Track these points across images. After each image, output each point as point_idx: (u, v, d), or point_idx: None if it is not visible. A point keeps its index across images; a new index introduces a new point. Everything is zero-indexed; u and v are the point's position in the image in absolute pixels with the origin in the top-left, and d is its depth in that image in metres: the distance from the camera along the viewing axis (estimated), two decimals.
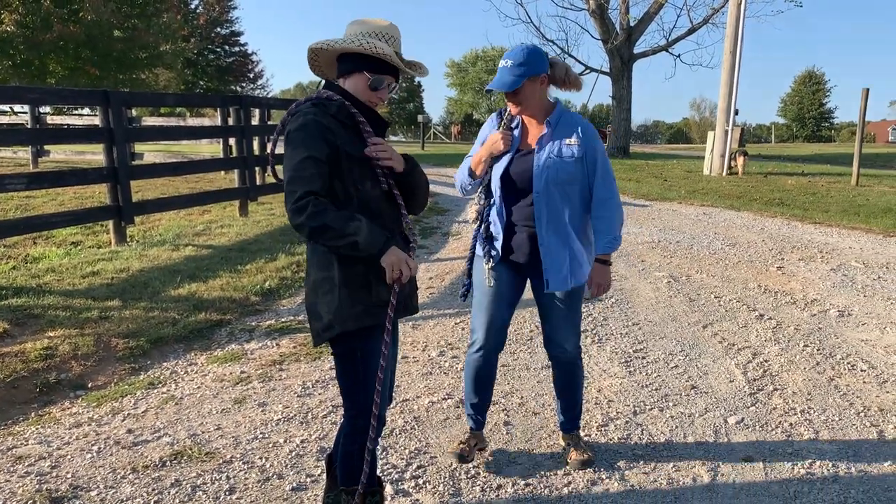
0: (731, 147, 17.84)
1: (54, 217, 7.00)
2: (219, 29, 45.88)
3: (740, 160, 17.85)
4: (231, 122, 9.88)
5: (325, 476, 2.65)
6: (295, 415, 3.56)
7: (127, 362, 4.28)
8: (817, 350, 4.63)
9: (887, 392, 3.95)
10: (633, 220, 9.97)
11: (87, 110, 22.39)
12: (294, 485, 2.90)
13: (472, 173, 2.94)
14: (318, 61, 2.37)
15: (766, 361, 4.41)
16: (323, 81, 2.38)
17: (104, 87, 22.68)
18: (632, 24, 25.96)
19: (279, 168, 2.29)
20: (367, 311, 2.23)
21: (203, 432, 3.36)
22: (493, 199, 2.91)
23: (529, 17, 42.71)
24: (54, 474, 2.96)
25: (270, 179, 11.09)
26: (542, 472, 3.02)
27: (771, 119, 79.21)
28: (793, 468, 3.08)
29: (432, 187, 2.57)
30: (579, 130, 2.81)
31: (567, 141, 2.79)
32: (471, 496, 2.85)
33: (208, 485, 2.88)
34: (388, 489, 2.86)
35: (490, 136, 2.90)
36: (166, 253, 6.92)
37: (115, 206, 7.21)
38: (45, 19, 23.26)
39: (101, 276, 5.93)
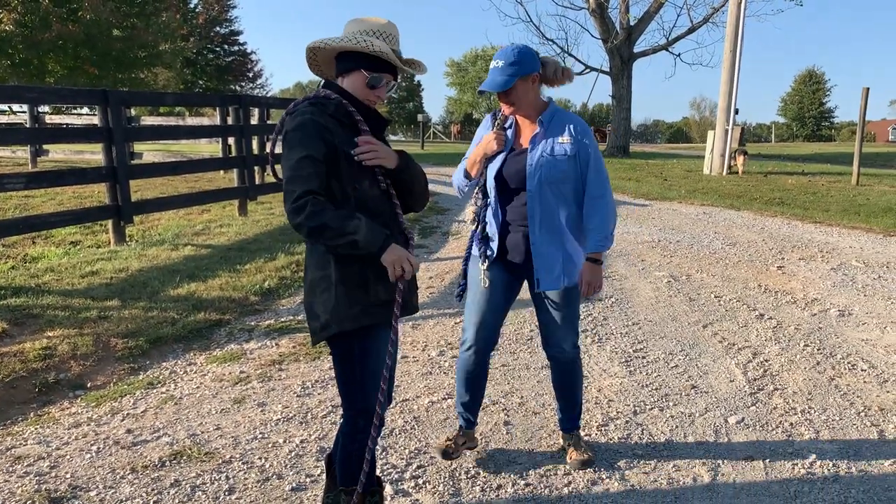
0: (731, 146, 17.83)
1: (53, 217, 6.99)
2: (218, 28, 45.90)
3: (740, 159, 17.86)
4: (230, 121, 9.88)
5: (324, 476, 2.64)
6: (294, 415, 3.56)
7: (126, 362, 4.27)
8: (818, 350, 4.62)
9: (888, 391, 3.94)
10: (633, 220, 9.97)
11: (85, 109, 22.39)
12: (294, 485, 2.89)
13: (467, 174, 2.95)
14: (316, 60, 2.36)
15: (766, 361, 4.40)
16: (322, 81, 2.37)
17: (103, 86, 22.68)
18: (632, 23, 25.95)
19: (279, 167, 2.28)
20: (365, 310, 2.22)
21: (202, 432, 3.35)
22: (488, 200, 2.91)
23: (529, 17, 42.91)
24: (53, 474, 2.95)
25: (270, 179, 11.08)
26: (543, 472, 3.02)
27: (771, 118, 79.22)
28: (793, 468, 3.07)
29: (432, 187, 2.57)
30: (572, 128, 2.80)
31: (560, 139, 2.79)
32: (471, 496, 2.84)
33: (208, 485, 2.88)
34: (388, 489, 2.85)
35: (484, 136, 2.90)
36: (165, 252, 6.92)
37: (114, 206, 7.20)
38: (44, 18, 23.24)
39: (100, 275, 5.93)
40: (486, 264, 2.91)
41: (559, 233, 2.83)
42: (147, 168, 9.50)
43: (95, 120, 7.65)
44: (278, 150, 2.23)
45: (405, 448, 3.21)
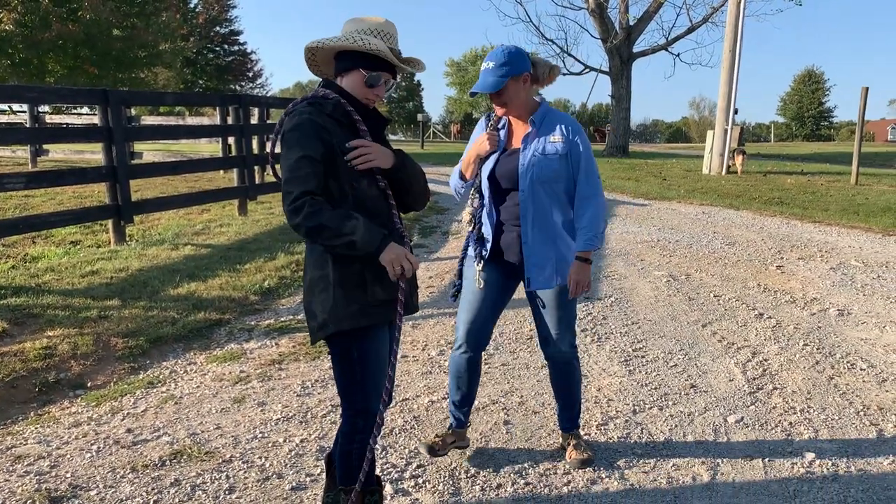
0: (730, 146, 17.84)
1: (53, 216, 6.99)
2: (218, 28, 45.91)
3: (738, 159, 17.86)
4: (230, 121, 9.88)
5: (324, 475, 2.64)
6: (294, 414, 3.56)
7: (126, 362, 4.28)
8: (817, 349, 4.63)
9: (886, 391, 3.95)
10: (633, 220, 9.97)
11: (85, 109, 22.37)
12: (293, 484, 2.89)
13: (462, 176, 2.96)
14: (315, 61, 2.37)
15: (765, 360, 4.41)
16: (321, 80, 2.38)
17: (103, 86, 22.68)
18: (631, 23, 25.96)
19: (279, 167, 2.29)
20: (362, 310, 2.22)
21: (202, 432, 3.36)
22: (483, 201, 2.93)
23: (529, 17, 42.80)
24: (53, 474, 2.96)
25: (270, 178, 11.09)
26: (542, 471, 3.02)
27: (770, 118, 79.18)
28: (792, 467, 3.08)
29: (432, 186, 2.57)
30: (564, 128, 2.81)
31: (551, 138, 2.80)
32: (470, 495, 2.85)
33: (208, 484, 2.88)
34: (388, 488, 2.86)
35: (477, 137, 2.92)
36: (165, 252, 6.92)
37: (114, 206, 7.21)
38: (44, 18, 23.23)
39: (100, 275, 5.93)
40: (480, 265, 2.92)
41: (552, 232, 2.84)
42: (147, 168, 9.50)
43: (95, 119, 7.65)
44: (278, 149, 2.24)
45: (405, 447, 3.22)
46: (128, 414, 3.58)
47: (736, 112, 17.99)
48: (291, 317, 5.19)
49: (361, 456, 2.29)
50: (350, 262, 2.19)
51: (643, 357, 4.46)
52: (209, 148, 16.23)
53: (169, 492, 2.82)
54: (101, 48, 25.21)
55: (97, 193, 9.98)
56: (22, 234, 7.10)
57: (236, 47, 47.19)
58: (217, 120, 11.99)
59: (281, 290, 5.90)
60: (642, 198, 12.60)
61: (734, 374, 4.17)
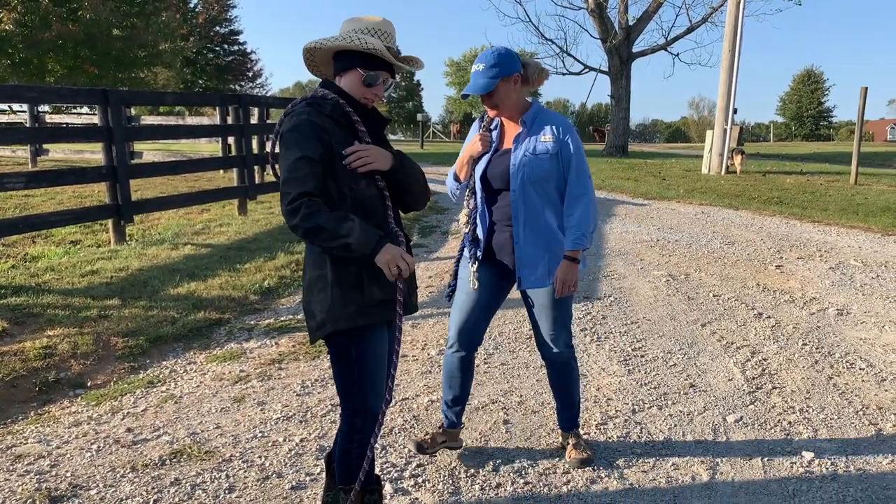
0: (729, 146, 17.85)
1: (53, 216, 7.00)
2: (217, 28, 45.90)
3: (737, 158, 17.87)
4: (230, 120, 9.88)
5: (324, 475, 2.65)
6: (294, 413, 3.57)
7: (126, 361, 4.28)
8: (816, 348, 4.63)
9: (886, 390, 3.95)
10: (632, 219, 9.98)
11: (85, 109, 22.35)
12: (293, 483, 2.90)
13: (457, 178, 2.98)
14: (314, 61, 2.37)
15: (764, 360, 4.41)
16: (321, 80, 2.38)
17: (103, 85, 22.68)
18: (630, 23, 25.97)
19: (279, 167, 2.29)
20: (360, 311, 2.23)
21: (202, 431, 3.36)
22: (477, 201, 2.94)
23: (528, 16, 43.00)
24: (54, 473, 2.96)
25: (269, 178, 11.09)
26: (542, 471, 3.03)
27: (770, 118, 79.23)
28: (791, 466, 3.09)
29: (431, 186, 2.58)
30: (554, 128, 2.81)
31: (542, 138, 2.80)
32: (470, 495, 2.85)
33: (208, 483, 2.89)
34: (388, 488, 2.86)
35: (471, 139, 2.94)
36: (165, 252, 6.92)
37: (114, 205, 7.21)
38: (44, 18, 23.23)
39: (100, 275, 5.93)
40: (475, 266, 2.93)
41: (543, 232, 2.84)
42: (147, 167, 9.50)
43: (95, 119, 7.65)
44: (277, 149, 2.24)
45: (404, 447, 3.22)
46: (128, 413, 3.58)
47: (735, 112, 18.00)
48: (291, 316, 5.19)
49: (360, 455, 2.30)
50: (347, 262, 2.20)
51: (642, 356, 4.46)
52: (209, 148, 16.23)
53: (169, 491, 2.82)
54: (101, 48, 25.22)
55: (97, 193, 9.98)
56: (22, 234, 7.10)
57: (236, 47, 47.18)
58: (217, 120, 11.99)
59: (281, 290, 5.90)
60: (642, 197, 12.60)
61: (733, 373, 4.18)
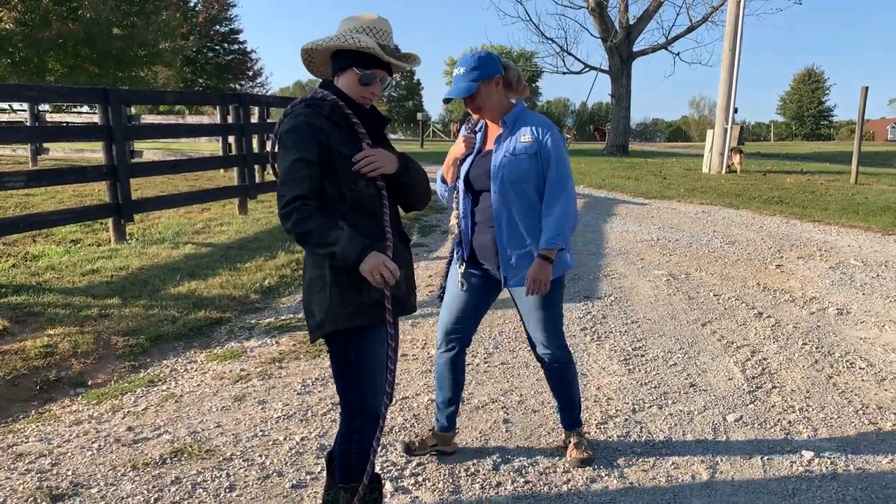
0: (729, 145, 17.85)
1: (54, 215, 7.00)
2: (218, 27, 45.88)
3: (736, 158, 17.87)
4: (230, 119, 9.89)
5: (325, 473, 2.65)
6: (295, 412, 3.57)
7: (127, 360, 4.29)
8: (816, 348, 4.64)
9: (885, 390, 3.96)
10: (632, 219, 9.98)
11: (86, 108, 22.34)
12: (294, 482, 2.90)
13: (444, 180, 2.99)
14: (313, 62, 2.37)
15: (764, 359, 4.42)
16: (321, 81, 2.38)
17: (103, 84, 22.67)
18: (631, 22, 25.98)
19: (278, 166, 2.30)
20: (358, 311, 2.23)
21: (203, 430, 3.37)
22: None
23: (529, 15, 42.83)
24: (55, 472, 2.97)
25: (270, 177, 11.09)
26: (542, 470, 3.03)
27: (770, 117, 79.22)
28: (791, 465, 3.09)
29: (431, 185, 2.58)
30: (535, 128, 2.80)
31: (522, 138, 2.80)
32: (470, 493, 2.85)
33: (208, 482, 2.89)
34: (388, 486, 2.87)
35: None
36: (166, 251, 6.93)
37: (114, 204, 7.21)
38: (44, 17, 23.22)
39: (100, 273, 5.94)
40: (462, 267, 2.94)
41: (527, 232, 2.83)
42: (147, 166, 9.50)
43: (96, 118, 7.66)
44: (277, 149, 2.25)
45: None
46: (128, 412, 3.58)
47: (736, 111, 18.00)
48: (292, 315, 5.20)
49: (360, 455, 2.30)
50: None
51: (643, 356, 4.46)
52: (209, 147, 16.23)
53: (170, 490, 2.82)
54: (101, 47, 25.20)
55: (97, 192, 9.98)
56: (22, 233, 7.10)
57: (236, 46, 47.16)
58: (217, 119, 11.99)
59: (281, 289, 5.91)
60: (642, 197, 12.61)
61: (733, 372, 4.18)
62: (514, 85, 2.88)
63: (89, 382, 3.98)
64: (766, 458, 3.15)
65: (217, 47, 46.30)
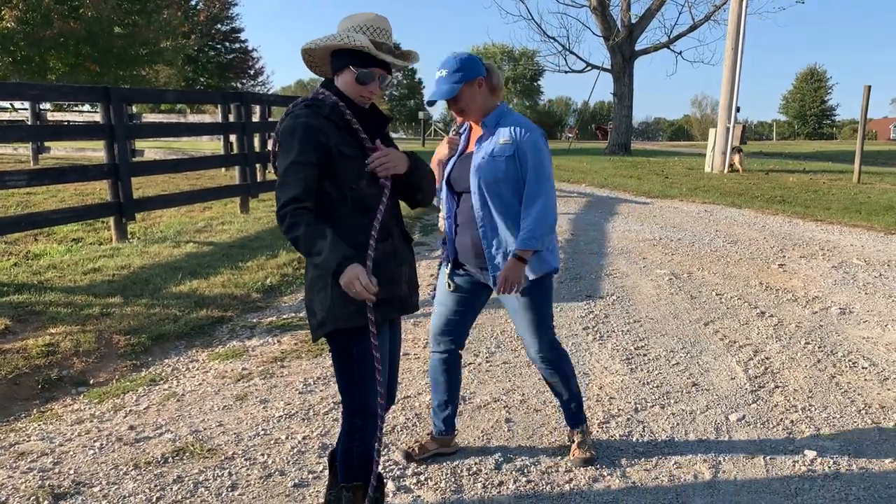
0: (731, 144, 17.83)
1: (55, 214, 7.01)
2: (219, 25, 45.84)
3: (736, 158, 17.86)
4: (232, 118, 9.87)
5: (327, 472, 2.65)
6: (297, 411, 3.57)
7: (128, 359, 4.29)
8: (818, 347, 4.63)
9: (888, 389, 3.95)
10: (634, 218, 9.97)
11: (87, 107, 22.39)
12: (296, 481, 2.90)
13: None
14: (314, 62, 2.37)
15: (767, 359, 4.41)
16: (323, 80, 2.38)
17: (104, 83, 22.70)
18: (633, 20, 25.93)
19: None
20: (360, 310, 2.22)
21: (205, 429, 3.37)
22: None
23: (531, 14, 42.86)
24: (56, 470, 2.97)
25: (271, 176, 11.09)
26: (544, 469, 3.03)
27: (772, 116, 79.05)
28: (794, 465, 3.08)
29: None
30: (514, 129, 2.78)
31: (500, 140, 2.79)
32: (472, 493, 2.85)
33: (210, 481, 2.89)
34: (390, 486, 2.87)
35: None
36: (167, 250, 6.93)
37: (115, 203, 7.21)
38: (46, 16, 23.25)
39: (102, 272, 5.94)
40: (448, 267, 2.95)
41: (506, 234, 2.81)
42: (149, 165, 9.51)
43: (97, 117, 7.67)
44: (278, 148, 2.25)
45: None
46: (130, 411, 3.58)
47: (738, 110, 17.98)
48: (293, 314, 5.19)
49: (362, 454, 2.30)
50: None
51: (645, 355, 4.46)
52: (210, 146, 16.23)
53: (172, 489, 2.82)
54: (103, 46, 25.23)
55: (99, 191, 9.98)
56: (24, 232, 7.11)
57: (237, 45, 47.12)
58: (219, 118, 11.98)
59: (283, 288, 5.91)
60: (644, 196, 12.59)
61: (736, 372, 4.18)
62: (498, 88, 2.89)
63: (91, 381, 3.98)
64: (768, 457, 3.15)
65: (218, 46, 46.27)
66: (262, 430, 3.36)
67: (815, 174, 17.80)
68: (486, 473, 2.99)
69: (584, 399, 3.23)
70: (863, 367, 4.28)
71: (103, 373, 4.09)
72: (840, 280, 6.46)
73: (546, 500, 2.80)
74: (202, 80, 44.83)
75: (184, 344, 4.59)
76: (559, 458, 3.12)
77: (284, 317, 5.16)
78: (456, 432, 3.19)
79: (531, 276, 2.83)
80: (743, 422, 3.50)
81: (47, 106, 16.70)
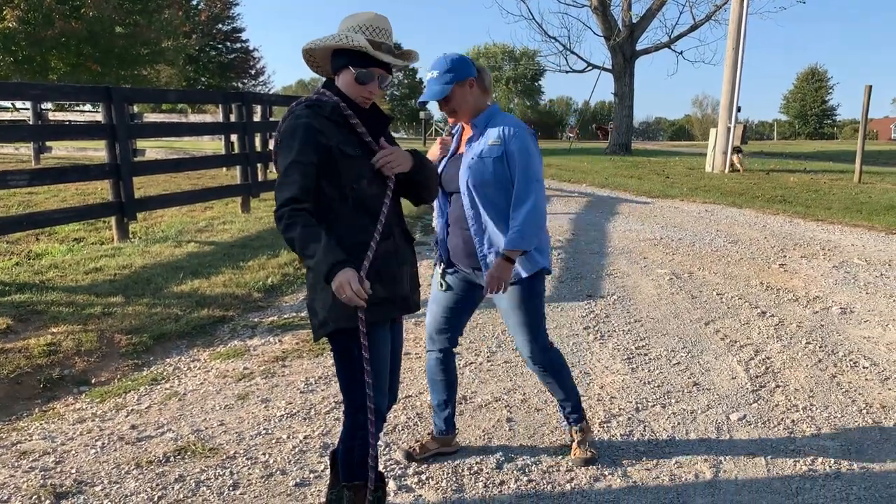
0: (732, 144, 17.82)
1: (57, 213, 7.02)
2: (220, 25, 45.85)
3: (736, 158, 17.85)
4: (233, 118, 9.88)
5: (328, 472, 2.65)
6: (298, 411, 3.57)
7: (130, 358, 4.29)
8: (819, 347, 4.63)
9: (889, 389, 3.95)
10: (635, 217, 9.97)
11: (88, 107, 22.40)
12: (297, 480, 2.91)
13: None
14: (315, 62, 2.38)
15: (768, 358, 4.41)
16: (324, 80, 2.38)
17: (106, 83, 22.72)
18: (634, 20, 25.93)
19: None
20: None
21: (206, 428, 3.37)
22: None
23: (531, 14, 42.88)
24: (58, 469, 2.97)
25: (273, 175, 11.10)
26: (545, 468, 3.03)
27: (773, 116, 79.01)
28: (795, 465, 3.08)
29: None
30: (504, 130, 2.78)
31: (490, 141, 2.78)
32: (473, 492, 2.86)
33: (212, 480, 2.89)
34: (392, 485, 2.87)
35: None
36: (169, 249, 6.93)
37: (117, 203, 7.22)
38: (47, 15, 23.26)
39: (103, 272, 5.95)
40: (440, 267, 2.96)
41: (496, 234, 2.81)
42: (150, 165, 9.52)
43: (98, 117, 7.69)
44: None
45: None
46: (132, 410, 3.59)
47: (739, 110, 17.97)
48: (295, 314, 5.20)
49: (364, 453, 2.30)
50: None
51: (646, 355, 4.46)
52: (212, 145, 16.25)
53: (173, 488, 2.83)
54: (104, 45, 25.25)
55: (100, 191, 9.99)
56: (25, 231, 7.12)
57: (239, 45, 47.13)
58: (220, 117, 11.98)
59: (284, 287, 5.91)
60: (645, 196, 12.59)
61: (737, 371, 4.18)
62: (490, 89, 2.90)
63: (93, 381, 3.99)
64: (769, 457, 3.15)
65: (220, 46, 46.28)
66: (264, 429, 3.37)
67: (816, 174, 17.79)
68: (488, 473, 2.99)
69: (585, 399, 3.24)
70: (864, 367, 4.28)
71: (105, 372, 4.10)
72: (841, 280, 6.45)
73: (547, 500, 2.81)
74: (203, 79, 44.84)
75: (185, 343, 4.60)
76: (560, 457, 3.12)
77: (286, 316, 5.16)
78: (457, 432, 3.19)
79: (524, 274, 2.84)
80: (744, 421, 3.51)
81: (49, 106, 16.71)
